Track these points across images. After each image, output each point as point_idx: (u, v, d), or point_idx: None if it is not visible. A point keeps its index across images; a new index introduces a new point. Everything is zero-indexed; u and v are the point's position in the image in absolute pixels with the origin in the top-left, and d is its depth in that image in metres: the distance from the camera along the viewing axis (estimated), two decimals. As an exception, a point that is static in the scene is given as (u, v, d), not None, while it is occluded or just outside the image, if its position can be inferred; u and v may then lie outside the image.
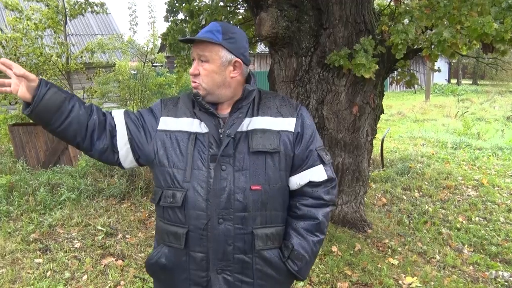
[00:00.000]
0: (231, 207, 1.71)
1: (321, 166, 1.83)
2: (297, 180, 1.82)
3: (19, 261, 4.33)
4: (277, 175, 1.77)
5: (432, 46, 3.82)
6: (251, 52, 6.45)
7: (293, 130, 1.79)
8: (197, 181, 1.72)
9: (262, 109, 1.82)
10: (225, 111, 1.81)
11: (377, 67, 3.96)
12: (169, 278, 1.84)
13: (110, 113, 1.87)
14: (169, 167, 1.77)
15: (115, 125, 1.82)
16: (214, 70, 1.74)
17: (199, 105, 1.79)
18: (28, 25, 8.30)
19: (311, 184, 1.82)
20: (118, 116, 1.85)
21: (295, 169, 1.82)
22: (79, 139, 1.77)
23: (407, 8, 3.98)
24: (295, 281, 1.86)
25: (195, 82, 1.78)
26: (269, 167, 1.75)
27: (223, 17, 5.24)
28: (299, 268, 1.80)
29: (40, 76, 1.79)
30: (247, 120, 1.78)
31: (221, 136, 1.74)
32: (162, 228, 1.82)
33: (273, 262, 1.78)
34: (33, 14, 8.51)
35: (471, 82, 34.30)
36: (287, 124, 1.80)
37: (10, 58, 8.19)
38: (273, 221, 1.79)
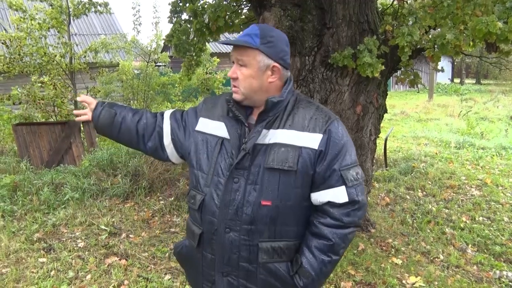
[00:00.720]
0: (238, 219, 1.71)
1: (342, 187, 1.71)
2: (317, 197, 1.75)
3: (23, 260, 4.35)
4: (292, 192, 1.71)
5: (436, 47, 3.82)
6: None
7: (316, 148, 1.70)
8: (215, 188, 1.75)
9: (290, 121, 1.73)
10: (255, 116, 1.78)
11: (383, 67, 3.96)
12: (188, 267, 2.02)
13: (162, 114, 2.02)
14: (196, 169, 1.83)
15: (162, 125, 1.98)
16: (252, 75, 1.71)
17: (230, 111, 1.79)
18: (32, 24, 8.33)
19: (330, 204, 1.73)
20: (166, 117, 1.99)
21: (315, 186, 1.74)
22: (134, 143, 2.03)
23: (411, 8, 3.97)
24: None
25: (234, 86, 1.76)
26: (283, 183, 1.69)
27: (227, 15, 5.23)
28: (304, 285, 1.74)
29: (98, 100, 2.10)
30: (271, 132, 1.72)
31: (242, 146, 1.72)
32: (188, 223, 1.95)
33: (279, 275, 1.76)
34: (37, 13, 8.53)
35: (474, 82, 34.19)
36: (312, 140, 1.70)
37: (14, 58, 8.24)
38: (283, 236, 1.75)
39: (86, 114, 2.06)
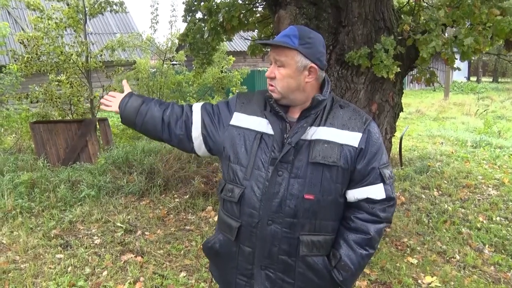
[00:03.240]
0: (281, 212, 1.75)
1: (381, 185, 1.81)
2: (355, 194, 1.83)
3: (41, 256, 4.41)
4: (332, 187, 1.78)
5: (455, 49, 3.78)
6: (268, 50, 6.44)
7: (356, 146, 1.78)
8: (255, 181, 1.78)
9: (330, 119, 1.81)
10: (295, 114, 1.83)
11: (398, 69, 3.94)
12: (220, 262, 1.99)
13: (191, 106, 2.03)
14: (233, 163, 1.84)
15: (191, 116, 1.98)
16: (290, 75, 1.76)
17: (270, 107, 1.83)
18: (49, 24, 8.41)
19: (368, 200, 1.82)
20: (196, 109, 2.00)
21: (354, 183, 1.82)
22: (159, 132, 2.01)
23: (433, 15, 3.91)
24: None
25: (271, 86, 1.81)
26: (326, 179, 1.76)
27: (241, 13, 5.23)
28: (344, 278, 1.82)
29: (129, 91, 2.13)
30: (312, 129, 1.78)
31: (285, 141, 1.77)
32: (221, 217, 1.95)
33: (316, 269, 1.82)
34: (54, 13, 8.61)
35: (491, 80, 33.71)
36: (352, 138, 1.79)
37: (32, 57, 8.34)
38: (322, 230, 1.81)
39: (111, 105, 2.08)
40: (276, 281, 1.82)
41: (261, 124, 1.83)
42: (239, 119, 1.88)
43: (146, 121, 2.01)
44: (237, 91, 10.92)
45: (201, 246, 2.22)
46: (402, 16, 4.28)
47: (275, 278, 1.81)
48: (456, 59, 4.29)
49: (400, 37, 4.19)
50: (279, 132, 1.78)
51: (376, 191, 1.81)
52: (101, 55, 9.03)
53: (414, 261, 4.28)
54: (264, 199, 1.76)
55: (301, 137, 1.75)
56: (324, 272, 1.82)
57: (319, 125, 1.79)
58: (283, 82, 1.77)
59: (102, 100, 2.13)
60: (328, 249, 1.85)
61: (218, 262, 2.01)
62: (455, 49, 3.82)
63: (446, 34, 3.99)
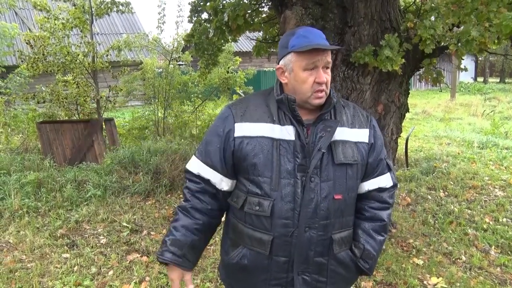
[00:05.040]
0: (317, 217, 1.76)
1: (389, 173, 1.97)
2: (367, 186, 1.93)
3: (47, 255, 4.43)
4: (355, 184, 1.86)
5: (459, 44, 3.76)
6: (274, 50, 6.44)
7: (367, 141, 1.88)
8: (285, 191, 1.74)
9: (339, 119, 1.85)
10: (307, 116, 1.82)
11: (403, 60, 3.92)
12: (249, 277, 1.88)
13: (209, 182, 1.88)
14: (254, 175, 1.78)
15: (211, 187, 1.88)
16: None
17: (291, 111, 1.78)
18: (55, 24, 8.45)
19: (379, 189, 1.95)
20: (207, 175, 1.87)
21: (366, 176, 1.92)
22: (218, 222, 1.99)
23: (433, 5, 3.92)
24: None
25: (322, 91, 1.77)
26: (349, 177, 1.82)
27: (247, 13, 5.23)
28: (370, 266, 1.93)
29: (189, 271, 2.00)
30: None
31: (306, 145, 1.75)
32: (244, 232, 1.84)
33: (345, 263, 1.89)
34: (60, 13, 8.65)
35: (498, 80, 33.54)
36: (363, 135, 1.88)
37: (38, 58, 8.38)
38: (347, 226, 1.89)
39: None
40: (312, 283, 1.83)
41: (274, 130, 1.77)
42: (244, 129, 1.80)
43: (207, 237, 1.97)
44: (241, 91, 10.93)
45: (219, 266, 2.10)
46: (407, 15, 4.26)
47: (311, 281, 1.82)
48: (463, 59, 4.27)
49: (405, 34, 4.17)
50: (298, 137, 1.76)
51: (386, 180, 1.95)
52: (107, 55, 9.05)
53: (420, 262, 4.26)
54: (297, 207, 1.74)
55: (329, 142, 1.75)
56: (351, 264, 1.90)
57: None
58: (329, 84, 1.80)
59: None
60: (350, 242, 1.92)
61: (245, 277, 1.89)
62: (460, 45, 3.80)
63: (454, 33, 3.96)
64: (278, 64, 1.86)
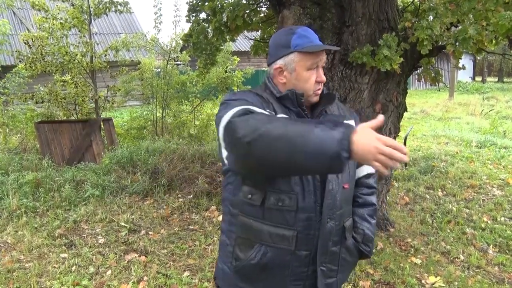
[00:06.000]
0: (335, 207, 1.80)
1: None
2: (358, 173, 2.03)
3: (46, 255, 4.43)
4: (354, 172, 1.97)
5: (457, 44, 3.76)
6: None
7: None
8: (306, 184, 1.73)
9: (329, 112, 1.92)
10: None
11: (401, 60, 3.92)
12: (267, 277, 1.81)
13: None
14: None
15: None
16: None
17: (299, 106, 1.80)
18: (54, 24, 8.43)
19: (366, 176, 2.05)
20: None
21: (358, 163, 1.98)
22: None
23: (431, 4, 3.93)
24: None
25: (320, 89, 1.85)
26: (351, 167, 1.90)
27: (245, 13, 5.23)
28: (370, 248, 2.02)
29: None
30: None
31: None
32: (263, 229, 1.76)
33: (351, 249, 1.96)
34: (58, 13, 8.64)
35: (496, 80, 33.58)
36: (353, 124, 1.84)
37: (36, 57, 8.37)
38: (351, 213, 1.98)
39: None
40: (327, 273, 1.85)
41: None
42: None
43: None
44: (238, 90, 10.92)
45: (217, 276, 1.96)
46: (404, 15, 4.27)
47: (327, 270, 1.84)
48: (461, 58, 4.28)
49: (402, 33, 4.18)
50: None
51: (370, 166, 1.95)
52: (105, 55, 9.05)
53: (418, 261, 4.27)
54: (318, 199, 1.75)
55: None
56: (355, 250, 1.98)
57: None
58: None
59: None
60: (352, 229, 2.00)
61: (265, 276, 1.81)
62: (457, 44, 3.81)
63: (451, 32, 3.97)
64: (274, 63, 1.84)
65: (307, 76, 1.79)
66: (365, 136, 1.35)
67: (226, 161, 1.79)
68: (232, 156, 1.70)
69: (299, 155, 1.40)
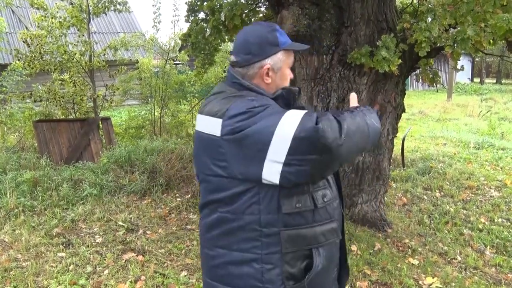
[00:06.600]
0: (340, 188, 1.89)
1: None
2: None
3: (43, 254, 4.42)
4: None
5: (455, 45, 3.77)
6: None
7: None
8: (331, 174, 1.82)
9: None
10: None
11: (400, 61, 3.93)
12: (326, 275, 1.78)
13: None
14: None
15: None
16: None
17: (294, 102, 1.81)
18: (52, 23, 8.43)
19: None
20: None
21: None
22: None
23: (430, 6, 3.94)
24: None
25: None
26: None
27: (244, 13, 5.24)
28: None
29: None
30: None
31: None
32: (315, 232, 1.71)
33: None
34: (57, 12, 8.64)
35: (495, 81, 33.61)
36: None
37: (35, 56, 8.36)
38: None
39: None
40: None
41: None
42: None
43: None
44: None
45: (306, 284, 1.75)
46: (403, 16, 4.28)
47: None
48: (459, 59, 4.29)
49: (400, 35, 4.18)
50: None
51: None
52: (104, 55, 9.05)
53: (415, 262, 4.27)
54: (334, 185, 1.82)
55: None
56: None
57: None
58: None
59: None
60: None
61: (324, 275, 1.77)
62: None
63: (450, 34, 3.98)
64: (258, 62, 1.74)
65: (287, 74, 1.81)
66: None
67: (272, 179, 1.57)
68: (307, 165, 1.54)
69: (369, 140, 1.64)
